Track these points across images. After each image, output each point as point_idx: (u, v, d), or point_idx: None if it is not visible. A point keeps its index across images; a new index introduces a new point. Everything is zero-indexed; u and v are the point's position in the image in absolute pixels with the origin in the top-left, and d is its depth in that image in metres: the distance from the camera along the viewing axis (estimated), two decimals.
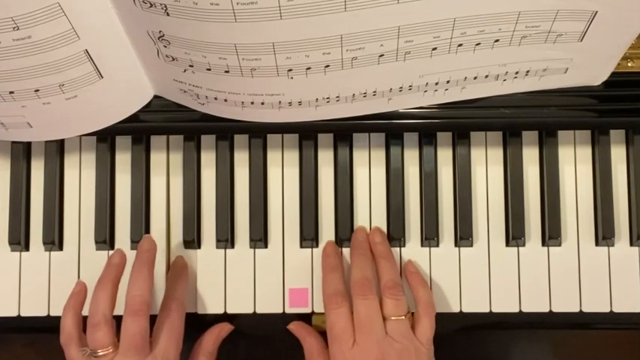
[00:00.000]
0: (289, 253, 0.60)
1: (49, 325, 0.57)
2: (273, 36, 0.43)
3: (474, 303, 0.59)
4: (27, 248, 0.60)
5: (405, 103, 0.54)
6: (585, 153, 0.60)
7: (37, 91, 0.48)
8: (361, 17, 0.42)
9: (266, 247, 0.60)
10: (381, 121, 0.55)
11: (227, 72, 0.47)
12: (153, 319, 0.56)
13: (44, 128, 0.54)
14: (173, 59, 0.47)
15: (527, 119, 0.56)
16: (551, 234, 0.59)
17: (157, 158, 0.61)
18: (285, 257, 0.60)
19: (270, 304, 0.59)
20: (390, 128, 0.59)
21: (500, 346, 0.63)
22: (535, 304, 0.59)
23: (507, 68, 0.51)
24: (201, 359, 0.57)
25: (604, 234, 0.59)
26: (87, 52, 0.46)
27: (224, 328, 0.59)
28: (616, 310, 0.59)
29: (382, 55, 0.46)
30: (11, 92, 0.48)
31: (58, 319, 0.56)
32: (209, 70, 0.47)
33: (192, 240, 0.60)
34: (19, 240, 0.60)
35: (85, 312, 0.55)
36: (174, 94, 0.53)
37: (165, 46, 0.45)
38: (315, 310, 0.59)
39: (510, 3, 0.44)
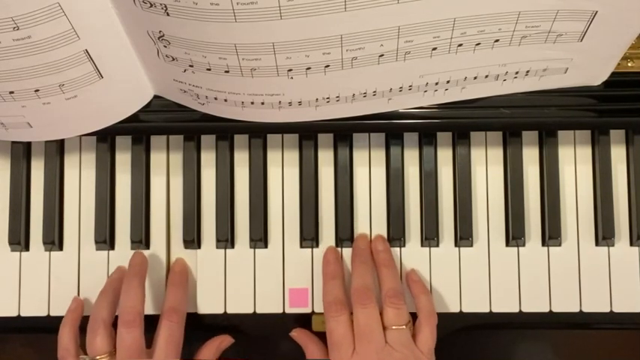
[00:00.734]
0: (289, 253, 0.60)
1: (49, 325, 0.57)
2: (273, 36, 0.43)
3: (474, 303, 0.59)
4: (27, 248, 0.60)
5: (405, 103, 0.54)
6: (585, 153, 0.60)
7: (37, 91, 0.48)
8: (361, 17, 0.42)
9: (266, 247, 0.60)
10: (381, 121, 0.55)
11: (227, 72, 0.47)
12: (153, 319, 0.56)
13: (44, 128, 0.54)
14: (173, 59, 0.47)
15: (527, 119, 0.56)
16: (551, 234, 0.59)
17: (157, 158, 0.61)
18: (285, 257, 0.60)
19: (270, 304, 0.59)
20: (390, 128, 0.59)
21: (500, 346, 0.63)
22: (535, 304, 0.59)
23: (507, 68, 0.51)
24: None
25: (604, 234, 0.59)
26: (87, 52, 0.46)
27: (224, 341, 0.58)
28: (616, 310, 0.59)
29: (382, 55, 0.46)
30: (11, 92, 0.48)
31: (58, 319, 0.57)
32: (209, 70, 0.47)
33: (192, 240, 0.60)
34: (19, 240, 0.60)
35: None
36: (174, 94, 0.53)
37: (165, 46, 0.45)
38: (315, 310, 0.59)
39: (510, 3, 0.44)
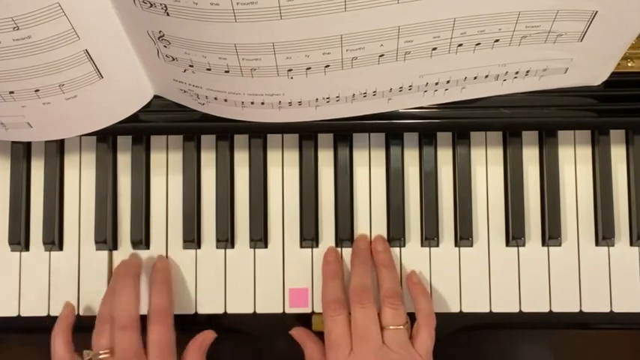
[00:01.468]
0: (289, 253, 0.60)
1: (49, 325, 0.57)
2: (273, 36, 0.43)
3: (474, 303, 0.59)
4: (27, 248, 0.60)
5: (405, 103, 0.54)
6: (585, 153, 0.60)
7: (37, 91, 0.48)
8: (361, 17, 0.42)
9: (266, 247, 0.60)
10: (381, 121, 0.55)
11: (227, 72, 0.47)
12: None
13: (44, 128, 0.54)
14: (173, 59, 0.47)
15: (527, 119, 0.56)
16: (551, 234, 0.59)
17: (157, 158, 0.61)
18: (285, 257, 0.60)
19: (270, 304, 0.59)
20: (390, 128, 0.59)
21: (500, 346, 0.63)
22: (535, 304, 0.59)
23: (507, 68, 0.51)
24: None
25: (604, 234, 0.59)
26: (87, 52, 0.46)
27: (207, 337, 0.57)
28: (616, 310, 0.59)
29: (382, 55, 0.46)
30: (11, 92, 0.48)
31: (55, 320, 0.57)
32: (209, 70, 0.47)
33: (192, 240, 0.60)
34: (19, 240, 0.60)
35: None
36: (174, 94, 0.53)
37: (165, 46, 0.45)
38: (315, 310, 0.59)
39: (510, 3, 0.44)
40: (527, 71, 0.52)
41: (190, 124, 0.56)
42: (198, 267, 0.60)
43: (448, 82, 0.52)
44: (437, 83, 0.52)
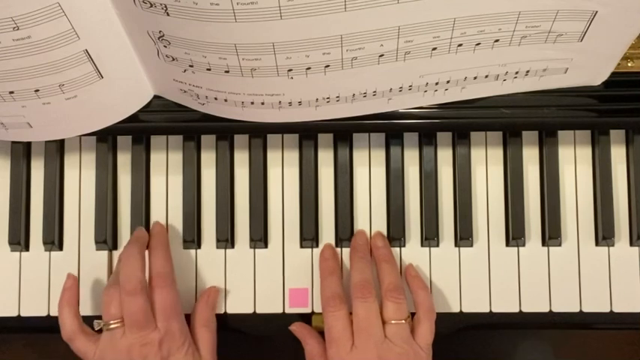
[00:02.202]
0: (289, 253, 0.60)
1: (49, 325, 0.57)
2: (273, 36, 0.43)
3: (474, 303, 0.59)
4: (27, 248, 0.60)
5: (405, 103, 0.54)
6: (585, 153, 0.60)
7: (37, 91, 0.48)
8: (361, 17, 0.42)
9: (266, 247, 0.60)
10: (381, 121, 0.55)
11: (227, 72, 0.47)
12: None
13: (44, 128, 0.54)
14: (173, 59, 0.47)
15: (527, 119, 0.56)
16: (551, 234, 0.59)
17: (157, 158, 0.61)
18: (285, 257, 0.60)
19: (270, 304, 0.59)
20: (390, 128, 0.59)
21: (500, 346, 0.63)
22: (535, 304, 0.59)
23: (507, 68, 0.51)
24: (202, 330, 0.56)
25: (604, 234, 0.59)
26: (87, 52, 0.46)
27: (212, 293, 0.58)
28: (616, 310, 0.59)
29: (382, 55, 0.46)
30: (11, 92, 0.48)
31: (58, 319, 0.56)
32: (209, 70, 0.47)
33: (192, 240, 0.60)
34: (19, 240, 0.60)
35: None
36: (174, 94, 0.53)
37: (165, 46, 0.45)
38: (315, 310, 0.59)
39: (510, 3, 0.44)
40: (527, 71, 0.52)
41: (190, 124, 0.56)
42: (198, 267, 0.60)
43: (448, 82, 0.52)
44: (437, 83, 0.52)
